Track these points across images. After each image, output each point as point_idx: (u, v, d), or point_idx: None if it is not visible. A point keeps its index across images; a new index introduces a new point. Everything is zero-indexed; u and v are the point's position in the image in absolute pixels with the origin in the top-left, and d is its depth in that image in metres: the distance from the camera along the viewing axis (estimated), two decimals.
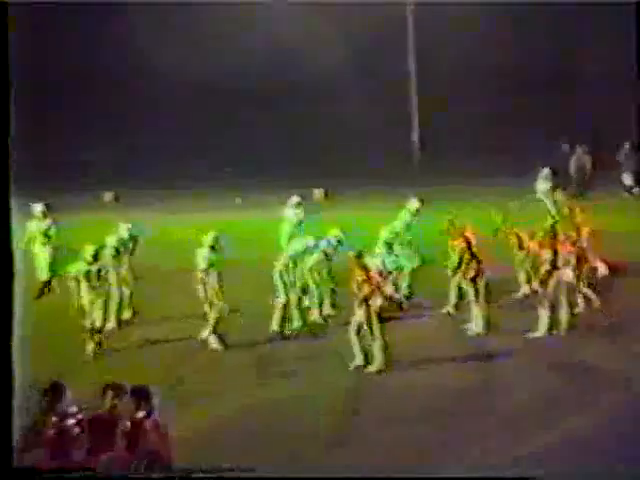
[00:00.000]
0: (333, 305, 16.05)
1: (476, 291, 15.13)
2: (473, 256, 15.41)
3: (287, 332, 15.29)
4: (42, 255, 18.35)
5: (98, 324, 14.43)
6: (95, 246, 15.01)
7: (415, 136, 36.12)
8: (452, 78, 34.26)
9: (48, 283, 18.28)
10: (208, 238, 15.11)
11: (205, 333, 14.76)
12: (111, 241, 16.47)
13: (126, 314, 16.59)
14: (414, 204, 17.81)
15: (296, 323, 15.50)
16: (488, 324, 15.05)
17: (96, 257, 14.88)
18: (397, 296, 16.13)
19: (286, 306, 15.28)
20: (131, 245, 16.91)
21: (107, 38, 34.59)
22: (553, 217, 18.40)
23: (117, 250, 16.44)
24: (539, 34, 34.15)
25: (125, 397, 8.37)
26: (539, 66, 34.03)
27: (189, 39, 34.57)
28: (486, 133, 32.89)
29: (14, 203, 7.47)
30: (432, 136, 34.71)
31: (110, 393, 8.51)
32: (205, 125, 35.07)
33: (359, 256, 14.10)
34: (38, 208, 18.83)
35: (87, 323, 14.34)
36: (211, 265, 14.81)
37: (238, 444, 10.52)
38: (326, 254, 15.67)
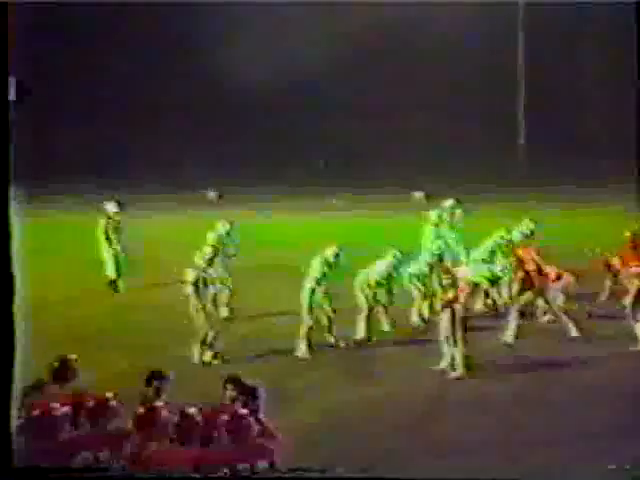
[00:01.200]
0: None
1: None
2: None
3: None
4: (110, 253, 18.46)
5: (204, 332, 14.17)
6: (211, 249, 14.86)
7: (522, 139, 35.56)
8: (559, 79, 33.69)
9: (113, 282, 18.36)
10: (329, 253, 14.98)
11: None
12: (210, 239, 16.38)
13: (223, 313, 16.48)
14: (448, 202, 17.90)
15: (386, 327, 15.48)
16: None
17: (211, 261, 14.78)
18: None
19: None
20: (229, 243, 16.82)
21: (107, 38, 34.79)
22: None
23: (215, 249, 16.36)
24: None
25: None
26: None
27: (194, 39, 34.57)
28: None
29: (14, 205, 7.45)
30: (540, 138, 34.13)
31: (230, 387, 8.54)
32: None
33: (441, 259, 13.84)
34: (111, 205, 18.91)
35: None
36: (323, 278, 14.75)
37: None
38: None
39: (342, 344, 14.90)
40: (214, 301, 14.98)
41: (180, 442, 8.18)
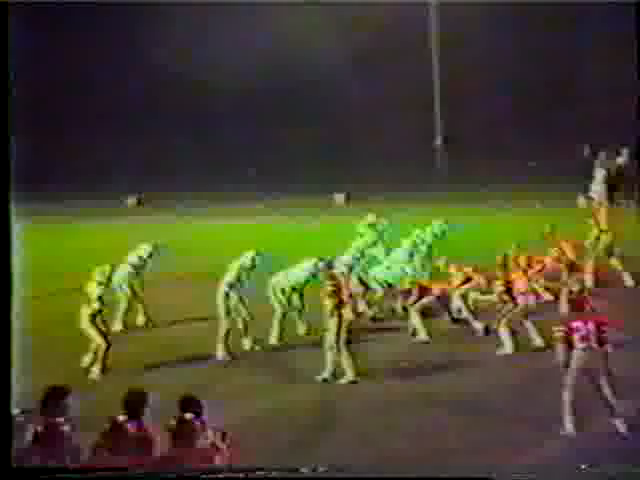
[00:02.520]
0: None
1: None
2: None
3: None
4: None
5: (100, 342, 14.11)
6: (108, 268, 14.81)
7: (438, 140, 35.95)
8: (473, 80, 34.07)
9: None
10: (245, 257, 15.10)
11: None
12: (132, 260, 16.63)
13: (139, 321, 16.68)
14: (371, 218, 18.13)
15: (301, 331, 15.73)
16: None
17: (110, 279, 14.82)
18: (369, 312, 16.10)
19: None
20: (149, 263, 16.88)
21: (107, 39, 34.64)
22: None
23: (136, 269, 16.58)
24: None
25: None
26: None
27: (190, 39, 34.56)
28: (504, 136, 32.72)
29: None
30: (455, 140, 34.54)
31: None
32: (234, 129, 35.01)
33: (329, 267, 13.92)
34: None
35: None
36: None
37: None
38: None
39: (257, 348, 14.96)
40: None
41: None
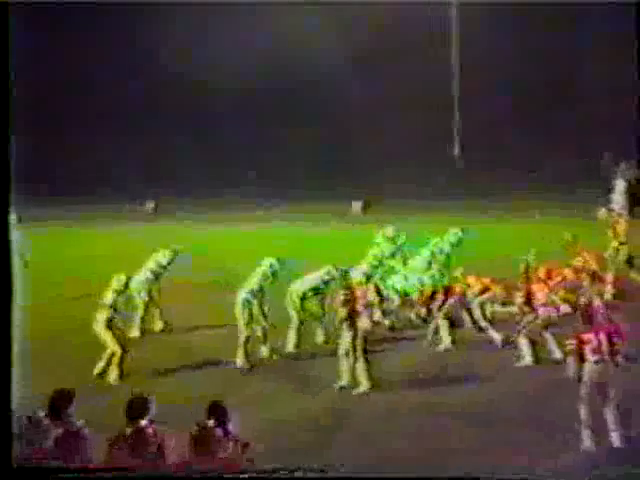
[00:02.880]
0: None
1: None
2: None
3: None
4: None
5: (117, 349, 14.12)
6: (124, 276, 14.78)
7: (456, 149, 35.87)
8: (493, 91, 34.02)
9: None
10: (264, 265, 15.10)
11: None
12: (151, 266, 16.61)
13: (157, 326, 16.69)
14: (389, 231, 17.99)
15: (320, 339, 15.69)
16: None
17: (127, 286, 14.78)
18: (386, 322, 16.03)
19: None
20: (168, 269, 16.84)
21: (107, 39, 34.71)
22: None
23: (155, 275, 16.54)
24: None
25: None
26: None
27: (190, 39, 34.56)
28: (522, 147, 32.69)
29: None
30: (474, 150, 34.47)
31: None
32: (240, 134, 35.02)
33: (345, 275, 13.96)
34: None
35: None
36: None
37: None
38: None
39: (275, 356, 14.94)
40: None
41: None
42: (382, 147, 33.16)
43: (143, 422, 8.11)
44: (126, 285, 14.65)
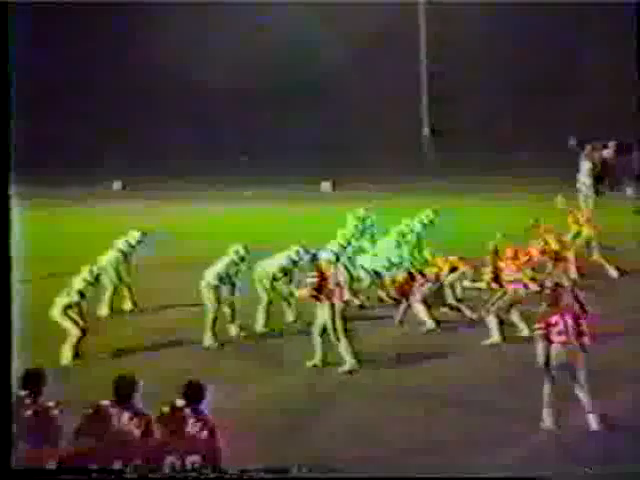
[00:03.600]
0: None
1: None
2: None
3: None
4: None
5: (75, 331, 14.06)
6: (94, 267, 14.80)
7: (426, 131, 35.98)
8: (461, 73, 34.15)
9: None
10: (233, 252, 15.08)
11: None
12: (120, 246, 16.65)
13: (126, 306, 16.69)
14: (359, 211, 18.12)
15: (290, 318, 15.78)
16: None
17: (97, 279, 14.73)
18: (356, 301, 16.09)
19: None
20: (137, 249, 16.89)
21: (107, 39, 34.60)
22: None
23: (125, 255, 16.58)
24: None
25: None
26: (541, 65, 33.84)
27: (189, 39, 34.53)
28: (493, 129, 32.85)
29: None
30: (443, 131, 34.60)
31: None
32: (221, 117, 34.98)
33: (314, 258, 14.01)
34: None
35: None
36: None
37: None
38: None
39: (242, 334, 15.00)
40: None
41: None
42: (351, 129, 33.27)
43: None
44: (96, 278, 14.63)
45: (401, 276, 15.97)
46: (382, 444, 10.78)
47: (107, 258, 16.40)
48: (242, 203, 27.41)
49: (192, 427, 7.93)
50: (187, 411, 8.01)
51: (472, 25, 33.52)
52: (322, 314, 13.56)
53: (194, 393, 8.11)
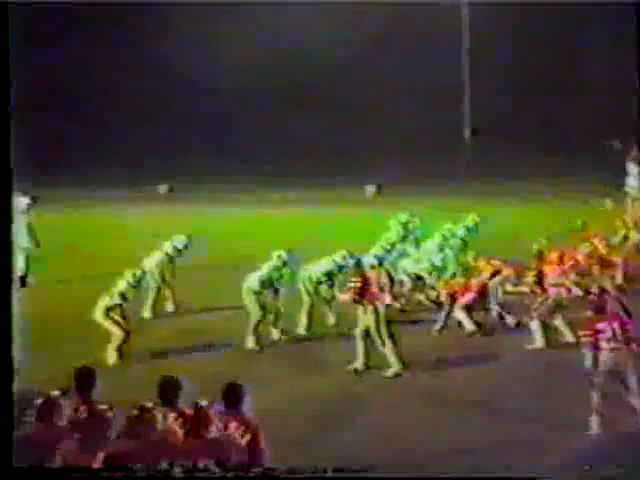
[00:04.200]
0: None
1: None
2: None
3: None
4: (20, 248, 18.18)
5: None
6: (138, 271, 14.88)
7: (467, 132, 35.83)
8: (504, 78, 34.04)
9: (22, 278, 18.13)
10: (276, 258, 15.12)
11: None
12: (166, 249, 16.71)
13: (168, 308, 16.79)
14: (403, 216, 18.01)
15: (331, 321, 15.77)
16: None
17: (139, 282, 14.79)
18: (397, 305, 15.91)
19: None
20: (183, 254, 16.95)
21: (107, 38, 34.79)
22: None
23: (170, 258, 16.70)
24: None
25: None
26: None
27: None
28: (535, 132, 32.64)
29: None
30: (485, 133, 34.45)
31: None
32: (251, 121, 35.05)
33: (358, 263, 14.17)
34: (23, 200, 18.69)
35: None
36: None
37: None
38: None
39: (284, 338, 15.02)
40: None
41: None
42: (396, 132, 33.19)
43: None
44: (139, 281, 14.70)
45: (456, 281, 15.81)
46: (414, 449, 10.71)
47: (152, 260, 16.49)
48: (286, 205, 27.35)
49: (235, 429, 7.88)
50: (229, 413, 7.97)
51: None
52: (365, 318, 13.51)
53: (234, 395, 8.08)
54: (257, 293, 14.77)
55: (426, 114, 33.26)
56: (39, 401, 7.89)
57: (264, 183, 29.72)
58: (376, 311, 13.42)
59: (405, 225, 17.94)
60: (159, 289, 16.60)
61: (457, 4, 35.22)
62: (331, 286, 15.60)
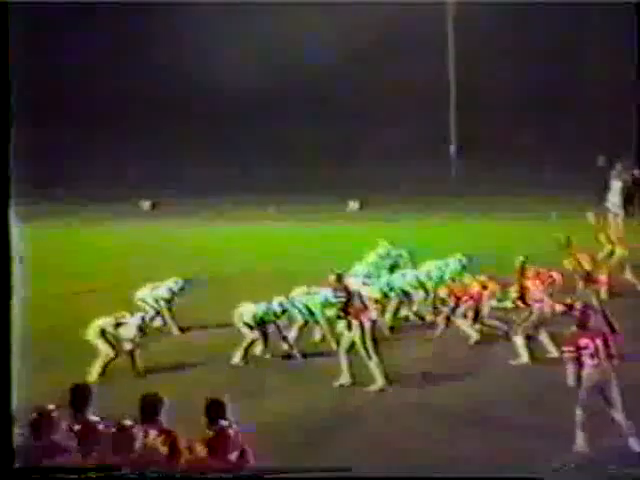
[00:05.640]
0: None
1: None
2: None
3: None
4: None
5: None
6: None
7: (452, 149, 35.97)
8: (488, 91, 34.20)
9: None
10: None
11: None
12: (162, 294, 16.50)
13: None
14: (382, 250, 17.79)
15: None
16: None
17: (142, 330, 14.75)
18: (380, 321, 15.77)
19: None
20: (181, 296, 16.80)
21: (107, 38, 34.83)
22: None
23: (168, 301, 16.57)
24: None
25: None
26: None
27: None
28: (521, 145, 32.86)
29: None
30: (469, 149, 34.60)
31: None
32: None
33: (339, 279, 14.14)
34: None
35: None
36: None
37: None
38: None
39: (295, 351, 15.00)
40: None
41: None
42: (380, 147, 33.32)
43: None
44: (141, 329, 14.64)
45: (455, 284, 15.90)
46: (403, 461, 10.75)
47: (149, 297, 16.37)
48: (265, 221, 27.24)
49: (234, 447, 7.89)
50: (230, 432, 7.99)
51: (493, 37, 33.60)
52: (349, 333, 13.58)
53: (214, 411, 8.10)
54: (248, 325, 14.84)
55: (411, 129, 33.42)
56: (33, 415, 7.94)
57: (237, 199, 29.69)
58: (361, 326, 13.50)
59: (386, 255, 17.82)
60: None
61: (443, 11, 35.29)
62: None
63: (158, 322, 16.38)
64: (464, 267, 17.13)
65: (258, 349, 15.01)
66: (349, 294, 13.84)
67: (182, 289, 16.62)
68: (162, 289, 16.54)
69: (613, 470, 9.46)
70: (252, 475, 7.91)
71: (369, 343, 13.45)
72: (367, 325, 13.53)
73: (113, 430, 7.94)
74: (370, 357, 13.44)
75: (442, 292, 15.90)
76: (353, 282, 15.43)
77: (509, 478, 9.08)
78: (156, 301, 16.37)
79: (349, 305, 13.68)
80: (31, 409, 7.95)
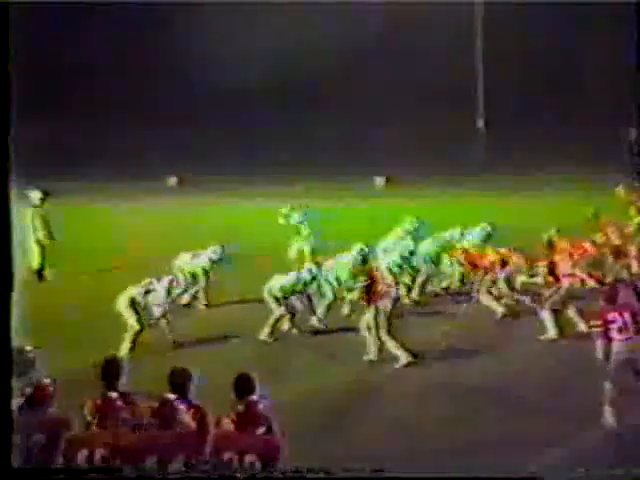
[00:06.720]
0: None
1: None
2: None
3: None
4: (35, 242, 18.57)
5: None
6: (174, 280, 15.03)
7: (481, 123, 35.86)
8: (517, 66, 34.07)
9: (39, 272, 18.51)
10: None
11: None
12: (202, 263, 16.68)
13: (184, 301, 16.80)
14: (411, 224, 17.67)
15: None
16: None
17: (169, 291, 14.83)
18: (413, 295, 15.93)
19: None
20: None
21: (107, 38, 34.90)
22: None
23: (206, 271, 16.69)
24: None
25: None
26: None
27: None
28: (550, 121, 32.68)
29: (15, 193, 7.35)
30: (498, 123, 34.49)
31: None
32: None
33: (364, 260, 14.11)
34: (35, 194, 18.87)
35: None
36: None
37: None
38: None
39: (322, 326, 15.04)
40: None
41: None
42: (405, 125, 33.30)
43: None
44: (169, 291, 14.76)
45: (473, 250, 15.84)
46: (426, 442, 10.69)
47: (186, 265, 16.51)
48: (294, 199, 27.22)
49: (249, 423, 7.85)
50: (241, 405, 7.96)
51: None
52: (367, 316, 13.62)
53: (243, 386, 8.07)
54: (276, 298, 14.86)
55: (439, 105, 33.32)
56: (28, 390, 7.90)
57: (272, 177, 29.76)
58: (376, 309, 13.48)
59: (412, 231, 17.83)
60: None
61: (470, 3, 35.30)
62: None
63: (186, 298, 16.49)
64: (489, 235, 17.05)
65: (285, 325, 15.08)
66: (372, 278, 13.80)
67: (220, 259, 16.69)
68: (202, 257, 16.64)
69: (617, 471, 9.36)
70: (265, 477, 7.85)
71: (382, 324, 13.40)
72: (382, 308, 13.45)
73: (154, 404, 7.92)
74: (381, 340, 13.41)
75: (457, 254, 15.82)
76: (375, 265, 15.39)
77: (509, 478, 9.00)
78: (192, 274, 16.43)
79: (372, 289, 13.61)
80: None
